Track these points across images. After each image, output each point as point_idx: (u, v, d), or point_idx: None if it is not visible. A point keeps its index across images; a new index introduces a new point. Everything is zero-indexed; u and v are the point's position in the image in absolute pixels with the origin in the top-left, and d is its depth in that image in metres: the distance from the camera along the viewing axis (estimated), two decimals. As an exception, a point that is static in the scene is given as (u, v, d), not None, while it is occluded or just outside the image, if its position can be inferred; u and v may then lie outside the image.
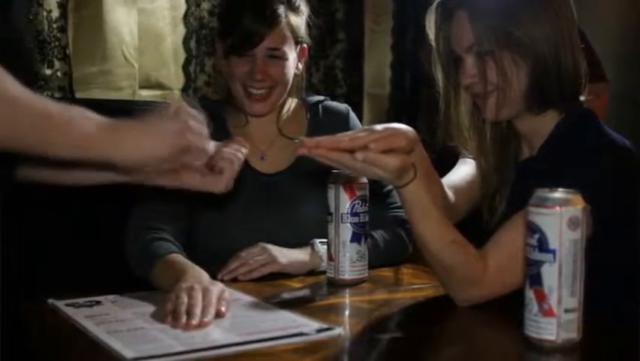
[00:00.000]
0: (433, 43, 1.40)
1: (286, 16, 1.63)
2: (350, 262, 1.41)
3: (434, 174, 1.46)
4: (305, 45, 1.71)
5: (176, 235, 1.52)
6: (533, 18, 1.28)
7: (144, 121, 1.08)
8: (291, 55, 1.65)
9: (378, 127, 1.17)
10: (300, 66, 1.72)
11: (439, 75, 1.42)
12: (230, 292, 1.26)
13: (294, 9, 1.66)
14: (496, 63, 1.29)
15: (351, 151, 1.10)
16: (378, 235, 1.60)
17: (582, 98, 1.35)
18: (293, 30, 1.64)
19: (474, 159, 1.49)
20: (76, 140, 1.00)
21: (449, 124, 1.43)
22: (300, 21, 1.67)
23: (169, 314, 1.14)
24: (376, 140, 1.12)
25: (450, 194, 1.51)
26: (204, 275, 1.30)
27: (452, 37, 1.36)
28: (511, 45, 1.28)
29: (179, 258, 1.41)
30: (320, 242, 1.51)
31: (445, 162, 1.64)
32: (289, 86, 1.68)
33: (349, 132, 1.16)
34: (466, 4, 1.31)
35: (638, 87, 3.31)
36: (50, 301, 1.28)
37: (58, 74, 2.61)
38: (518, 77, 1.30)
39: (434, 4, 1.39)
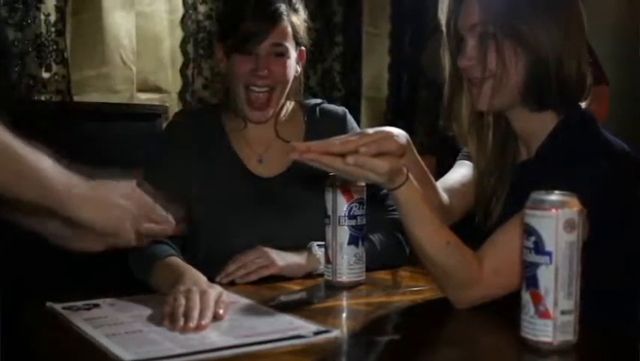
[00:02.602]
0: (444, 28, 1.40)
1: (288, 15, 1.64)
2: (347, 264, 1.41)
3: (428, 176, 1.46)
4: (303, 48, 1.72)
5: (174, 238, 1.53)
6: (543, 20, 1.28)
7: (106, 188, 1.17)
8: (293, 54, 1.66)
9: (370, 131, 1.18)
10: (299, 69, 1.72)
11: (447, 61, 1.42)
12: (227, 295, 1.26)
13: (295, 9, 1.67)
14: (497, 48, 1.29)
15: (343, 155, 1.11)
16: (376, 237, 1.60)
17: (583, 104, 1.35)
18: (294, 28, 1.66)
19: (472, 160, 1.49)
20: (42, 189, 1.06)
21: (451, 114, 1.43)
22: (300, 21, 1.68)
23: (167, 317, 1.15)
24: (367, 143, 1.12)
25: (445, 196, 1.51)
26: (202, 278, 1.30)
27: (459, 17, 1.35)
28: (514, 35, 1.28)
29: (177, 260, 1.41)
30: (317, 245, 1.51)
31: (445, 163, 1.64)
32: (288, 87, 1.69)
33: (341, 136, 1.17)
34: None
35: (636, 88, 3.32)
36: (49, 304, 1.28)
37: (57, 77, 2.62)
38: (516, 67, 1.29)
39: None
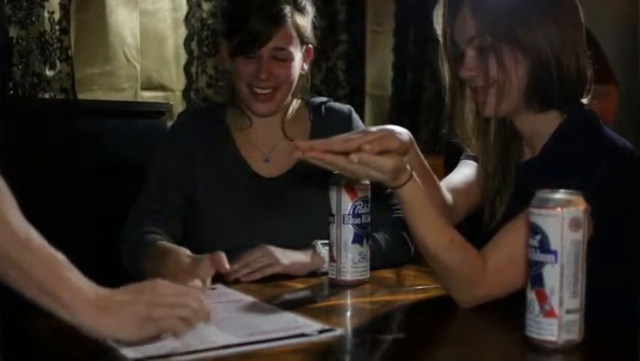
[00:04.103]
0: (440, 38, 1.40)
1: (292, 16, 1.63)
2: (352, 263, 1.41)
3: (431, 175, 1.46)
4: (311, 46, 1.71)
5: (169, 233, 1.54)
6: (538, 19, 1.28)
7: (122, 294, 1.00)
8: (297, 55, 1.65)
9: (373, 129, 1.18)
10: (306, 67, 1.72)
11: (446, 70, 1.42)
12: (232, 293, 1.27)
13: (300, 9, 1.66)
14: (496, 57, 1.29)
15: (346, 153, 1.11)
16: (380, 236, 1.60)
17: (585, 100, 1.35)
18: (299, 30, 1.65)
19: (477, 160, 1.49)
20: (59, 300, 0.95)
21: (454, 120, 1.43)
22: (305, 21, 1.67)
23: None
24: (370, 141, 1.12)
25: (449, 196, 1.51)
26: (183, 258, 1.34)
27: (455, 30, 1.35)
28: (512, 41, 1.28)
29: (164, 243, 1.45)
30: (322, 243, 1.51)
31: (452, 163, 1.64)
32: (294, 86, 1.68)
33: (344, 135, 1.17)
34: None
35: (637, 87, 3.31)
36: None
37: (61, 75, 2.62)
38: (517, 72, 1.29)
39: None
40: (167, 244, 1.45)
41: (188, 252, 1.36)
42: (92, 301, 0.96)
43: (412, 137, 1.35)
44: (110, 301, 0.98)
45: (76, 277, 0.96)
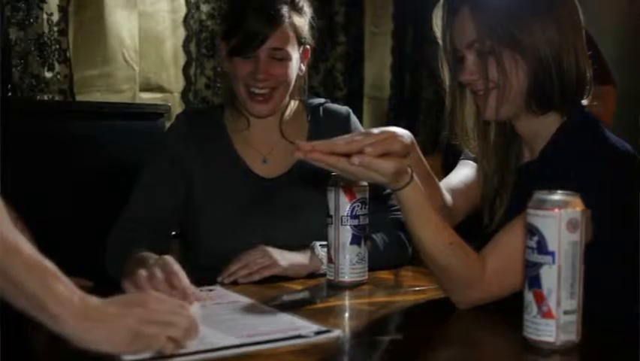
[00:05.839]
0: (440, 41, 1.40)
1: (289, 17, 1.63)
2: (350, 264, 1.41)
3: (431, 176, 1.46)
4: (308, 46, 1.71)
5: (156, 237, 1.53)
6: (537, 21, 1.28)
7: (113, 306, 0.97)
8: (294, 55, 1.65)
9: (375, 131, 1.17)
10: (303, 67, 1.72)
11: (446, 73, 1.42)
12: (229, 295, 1.27)
13: (298, 10, 1.66)
14: (496, 60, 1.29)
15: (348, 155, 1.10)
16: (379, 237, 1.60)
17: (585, 102, 1.35)
18: (296, 30, 1.65)
19: (476, 160, 1.49)
20: (47, 310, 0.92)
21: (454, 122, 1.43)
22: (303, 22, 1.67)
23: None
24: (372, 144, 1.11)
25: (448, 196, 1.51)
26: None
27: (454, 34, 1.35)
28: (512, 44, 1.28)
29: (144, 253, 1.41)
30: (320, 245, 1.51)
31: (448, 164, 1.64)
32: (291, 86, 1.68)
33: (346, 136, 1.16)
34: (469, 1, 1.31)
35: (637, 88, 3.31)
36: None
37: (59, 77, 2.62)
38: (518, 75, 1.30)
39: (441, 1, 1.39)
40: (146, 253, 1.41)
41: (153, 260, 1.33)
42: (80, 313, 0.93)
43: (413, 139, 1.35)
44: (101, 312, 0.95)
45: (65, 287, 0.93)
